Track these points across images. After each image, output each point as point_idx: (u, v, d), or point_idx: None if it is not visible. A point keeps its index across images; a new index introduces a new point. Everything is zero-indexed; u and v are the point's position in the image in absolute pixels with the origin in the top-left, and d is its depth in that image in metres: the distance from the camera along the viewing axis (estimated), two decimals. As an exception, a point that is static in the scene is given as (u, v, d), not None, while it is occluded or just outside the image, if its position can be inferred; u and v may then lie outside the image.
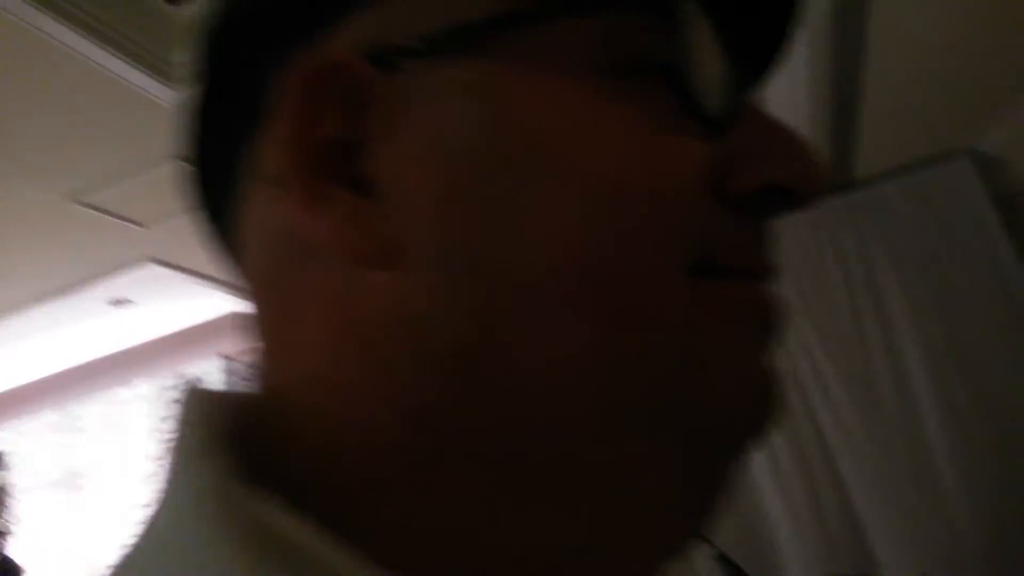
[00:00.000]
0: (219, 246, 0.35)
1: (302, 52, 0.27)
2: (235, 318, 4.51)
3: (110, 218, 3.15)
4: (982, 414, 3.83)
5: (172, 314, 4.55)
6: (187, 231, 3.18)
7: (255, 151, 0.29)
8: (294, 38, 0.28)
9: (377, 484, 0.25)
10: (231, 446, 0.25)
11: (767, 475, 4.02)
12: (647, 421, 0.26)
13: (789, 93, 3.47)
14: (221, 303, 4.57)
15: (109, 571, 0.24)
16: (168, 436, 0.26)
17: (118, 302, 4.10)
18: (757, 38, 0.34)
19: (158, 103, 2.40)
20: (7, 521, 2.77)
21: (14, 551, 2.90)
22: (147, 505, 0.25)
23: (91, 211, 3.07)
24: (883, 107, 3.52)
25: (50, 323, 4.10)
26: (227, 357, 4.79)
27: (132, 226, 3.26)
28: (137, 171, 2.87)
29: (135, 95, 2.34)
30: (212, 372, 4.82)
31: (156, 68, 2.20)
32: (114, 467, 5.23)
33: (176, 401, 0.27)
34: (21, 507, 3.49)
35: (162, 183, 2.89)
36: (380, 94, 0.26)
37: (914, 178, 4.17)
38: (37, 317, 3.97)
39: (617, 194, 0.27)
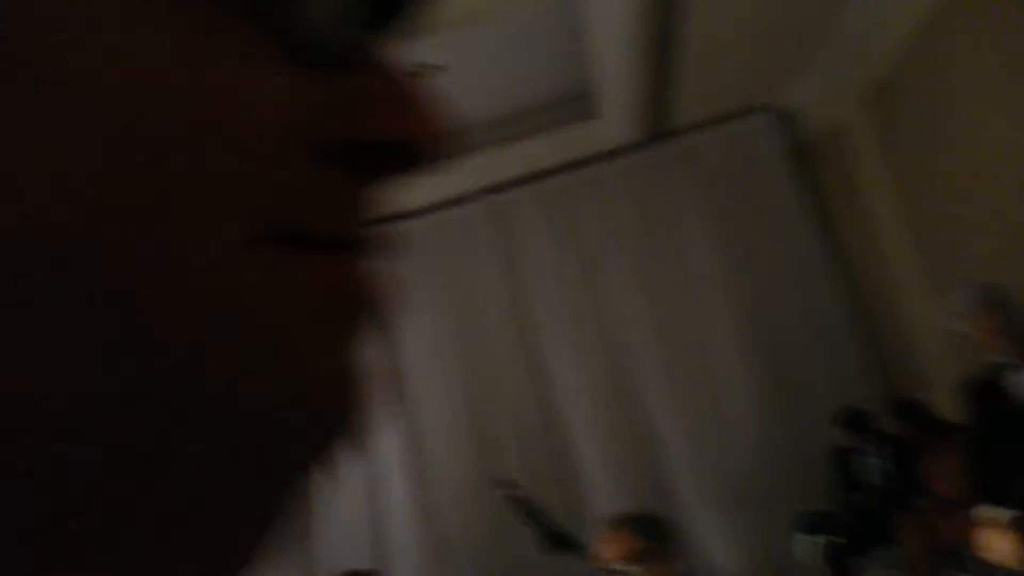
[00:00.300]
0: None
1: None
2: None
3: None
4: (767, 335, 4.17)
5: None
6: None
7: None
8: None
9: None
10: None
11: (576, 407, 4.22)
12: (181, 453, 0.19)
13: (613, 46, 3.54)
14: None
15: None
16: None
17: None
18: None
19: None
20: None
21: None
22: None
23: None
24: (699, 61, 3.66)
25: None
26: None
27: None
28: None
29: None
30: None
31: None
32: None
33: None
34: None
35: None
36: None
37: (723, 129, 4.40)
38: None
39: (155, 134, 0.19)
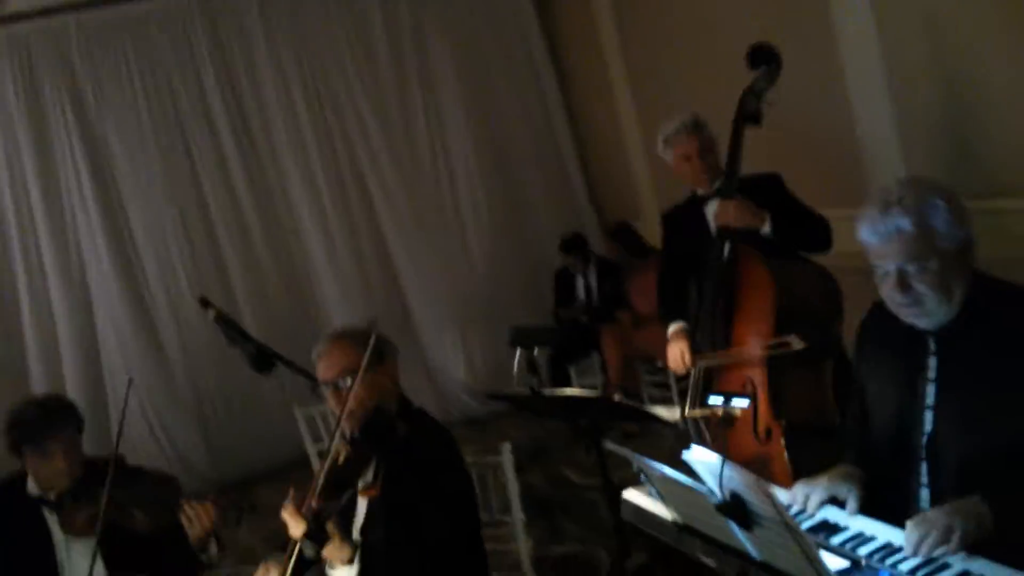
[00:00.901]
0: None
1: None
2: None
3: None
4: (501, 164, 4.24)
5: None
6: None
7: None
8: None
9: None
10: None
11: (311, 231, 4.03)
12: None
13: None
14: None
15: None
16: None
17: None
18: None
19: None
20: None
21: None
22: None
23: None
24: None
25: None
26: None
27: None
28: None
29: None
30: None
31: None
32: None
33: None
34: None
35: None
36: None
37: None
38: None
39: None
